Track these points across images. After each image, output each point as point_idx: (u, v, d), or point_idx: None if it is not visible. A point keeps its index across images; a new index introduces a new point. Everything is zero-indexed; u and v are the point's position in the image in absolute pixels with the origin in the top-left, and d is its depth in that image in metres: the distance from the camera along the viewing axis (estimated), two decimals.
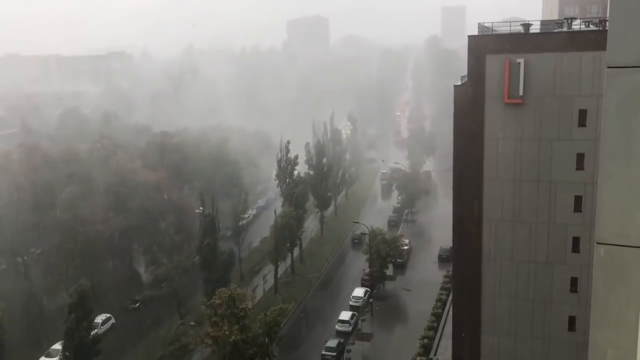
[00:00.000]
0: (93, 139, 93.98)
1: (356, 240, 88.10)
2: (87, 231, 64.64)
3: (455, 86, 45.05)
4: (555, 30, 42.78)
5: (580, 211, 40.84)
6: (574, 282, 42.01)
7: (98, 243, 65.05)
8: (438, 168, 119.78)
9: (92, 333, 49.22)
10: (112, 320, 64.76)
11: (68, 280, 57.06)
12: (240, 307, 44.71)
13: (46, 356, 57.05)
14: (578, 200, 40.88)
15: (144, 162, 79.98)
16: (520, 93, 40.84)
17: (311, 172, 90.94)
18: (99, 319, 62.34)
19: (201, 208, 65.20)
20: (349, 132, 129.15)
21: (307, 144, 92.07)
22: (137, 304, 68.93)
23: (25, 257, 72.51)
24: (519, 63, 40.42)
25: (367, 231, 70.69)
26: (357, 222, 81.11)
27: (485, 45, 41.98)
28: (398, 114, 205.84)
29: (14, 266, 73.38)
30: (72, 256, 63.72)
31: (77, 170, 75.77)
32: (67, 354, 47.20)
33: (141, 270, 75.48)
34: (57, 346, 53.05)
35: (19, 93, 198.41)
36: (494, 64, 41.43)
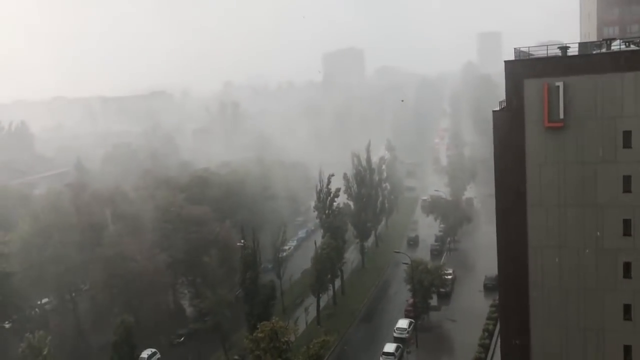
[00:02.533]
0: (138, 176, 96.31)
1: (411, 242, 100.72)
2: (132, 267, 65.81)
3: (494, 112, 44.64)
4: (595, 52, 42.17)
5: (630, 235, 39.53)
6: (627, 309, 40.42)
7: (143, 278, 66.03)
8: (480, 194, 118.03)
9: None
10: (158, 355, 65.26)
11: (114, 316, 57.93)
12: (283, 340, 44.50)
13: None
14: (627, 223, 39.62)
15: (187, 197, 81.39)
16: (561, 116, 40.21)
17: (350, 203, 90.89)
18: (145, 353, 63.00)
19: (243, 241, 65.72)
20: (387, 160, 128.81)
21: (346, 174, 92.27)
22: (182, 338, 69.41)
23: (73, 294, 74.15)
24: (558, 86, 39.90)
25: (408, 261, 69.76)
26: (399, 252, 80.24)
27: (523, 69, 41.64)
28: (437, 141, 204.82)
29: (63, 303, 75.04)
30: (118, 292, 64.85)
31: (123, 207, 77.62)
32: None
33: (185, 304, 76.20)
34: None
35: (66, 134, 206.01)
36: (533, 88, 40.99)
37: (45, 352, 48.37)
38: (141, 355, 60.08)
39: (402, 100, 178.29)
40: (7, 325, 68.14)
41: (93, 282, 70.40)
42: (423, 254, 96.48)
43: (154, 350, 65.18)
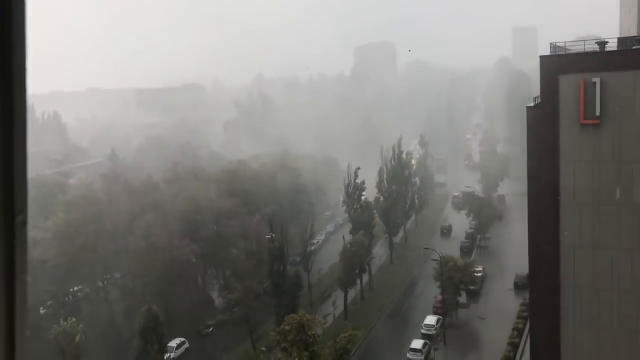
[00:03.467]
0: (169, 167, 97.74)
1: (445, 231, 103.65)
2: (162, 257, 66.82)
3: (527, 108, 43.87)
4: (634, 47, 41.04)
5: None
6: None
7: (173, 269, 67.01)
8: (512, 192, 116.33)
9: (165, 357, 50.35)
10: (186, 345, 66.20)
11: (144, 305, 58.93)
12: (310, 333, 44.66)
13: None
14: None
15: (218, 189, 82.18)
16: (597, 113, 39.28)
17: (381, 198, 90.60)
18: (174, 342, 63.96)
19: (272, 234, 66.11)
20: (418, 156, 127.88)
21: (380, 168, 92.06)
22: (210, 329, 70.27)
23: (105, 282, 75.67)
24: (595, 82, 38.98)
25: (437, 257, 69.26)
26: (428, 248, 79.71)
27: (559, 65, 40.79)
28: (469, 136, 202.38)
29: (95, 291, 76.68)
30: (149, 282, 65.94)
31: (155, 198, 78.82)
32: None
33: (214, 295, 77.10)
34: None
35: (101, 124, 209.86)
36: (568, 85, 40.12)
37: (77, 339, 49.46)
38: (169, 344, 61.01)
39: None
40: (41, 311, 69.93)
41: (124, 271, 71.77)
42: (455, 244, 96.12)
43: (182, 339, 66.14)
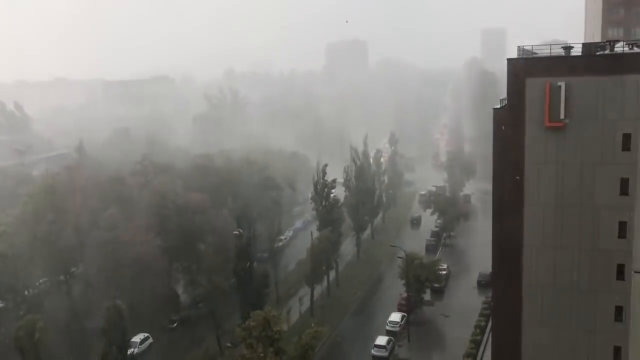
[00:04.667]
0: (136, 161, 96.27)
1: (414, 222, 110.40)
2: (127, 251, 65.81)
3: (494, 109, 44.54)
4: (598, 53, 42.01)
5: (625, 237, 39.59)
6: (619, 310, 40.54)
7: (138, 263, 66.08)
8: (478, 191, 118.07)
9: (129, 352, 49.71)
10: (150, 340, 65.46)
11: (108, 299, 57.99)
12: (275, 329, 44.61)
13: None
14: (622, 226, 39.66)
15: (185, 184, 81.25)
16: (562, 116, 40.12)
17: (348, 195, 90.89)
18: (137, 338, 63.18)
19: (240, 230, 65.70)
20: (387, 154, 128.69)
21: (346, 167, 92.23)
22: (175, 324, 69.62)
23: (67, 276, 74.18)
24: (560, 86, 39.80)
25: (403, 255, 69.89)
26: (394, 246, 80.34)
27: (525, 68, 41.49)
28: (437, 136, 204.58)
29: (58, 284, 75.10)
30: (112, 276, 64.89)
31: (120, 192, 77.50)
32: None
33: (180, 290, 76.30)
34: None
35: (66, 116, 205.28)
36: (535, 87, 40.87)
37: (36, 337, 48.43)
38: (133, 340, 60.19)
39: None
40: (0, 305, 68.31)
41: (88, 265, 70.47)
42: (423, 237, 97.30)
43: (146, 334, 65.38)
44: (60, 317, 66.47)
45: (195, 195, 76.83)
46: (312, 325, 50.36)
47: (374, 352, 61.68)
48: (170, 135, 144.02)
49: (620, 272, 40.12)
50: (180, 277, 77.08)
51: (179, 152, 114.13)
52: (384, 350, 61.50)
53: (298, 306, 71.79)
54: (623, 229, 39.64)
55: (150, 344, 65.19)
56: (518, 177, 42.27)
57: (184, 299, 74.67)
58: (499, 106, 44.86)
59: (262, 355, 42.69)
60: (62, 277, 74.47)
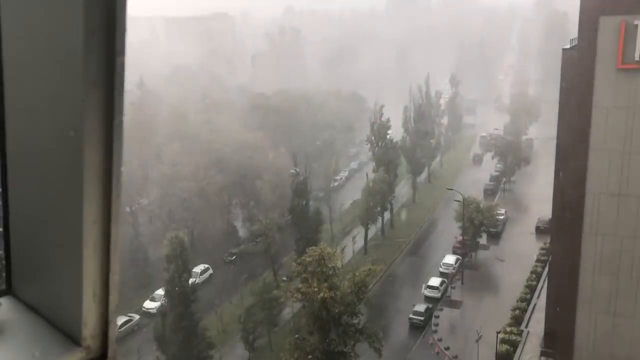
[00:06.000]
0: (197, 98, 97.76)
1: (476, 159, 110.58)
2: (188, 186, 68.04)
3: (563, 49, 42.60)
4: None
5: None
6: None
7: (199, 198, 68.33)
8: (541, 136, 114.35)
9: (190, 281, 52.22)
10: (210, 271, 68.38)
11: (171, 231, 60.66)
12: (330, 265, 45.64)
13: (150, 300, 61.61)
14: None
15: (244, 122, 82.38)
16: (637, 58, 37.92)
17: (407, 136, 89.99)
18: (198, 269, 66.12)
19: (296, 169, 66.60)
20: (447, 95, 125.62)
21: (406, 107, 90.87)
22: (234, 257, 72.28)
23: (133, 208, 77.62)
24: (637, 25, 37.43)
25: (460, 199, 69.27)
26: (451, 189, 79.63)
27: (599, 5, 39.12)
28: (501, 77, 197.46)
29: (123, 216, 78.80)
30: (175, 209, 67.48)
31: (182, 129, 79.44)
32: (167, 299, 50.47)
33: (238, 225, 78.76)
34: (160, 292, 56.82)
35: (128, 52, 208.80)
36: (608, 26, 38.59)
37: None
38: (194, 270, 63.07)
39: None
40: None
41: (152, 198, 73.41)
42: (482, 181, 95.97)
43: (206, 266, 68.27)
44: (126, 247, 70.07)
45: (254, 133, 77.95)
46: (368, 263, 51.23)
47: (426, 292, 62.38)
48: (230, 74, 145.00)
49: None
50: (238, 213, 79.44)
51: (238, 91, 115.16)
52: (437, 291, 62.09)
53: (352, 245, 72.90)
54: None
55: (210, 275, 68.15)
56: (587, 117, 40.65)
57: (242, 234, 77.12)
58: (568, 46, 42.79)
59: (316, 289, 43.96)
60: (127, 209, 78.02)
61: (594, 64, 39.76)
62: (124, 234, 74.16)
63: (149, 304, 61.30)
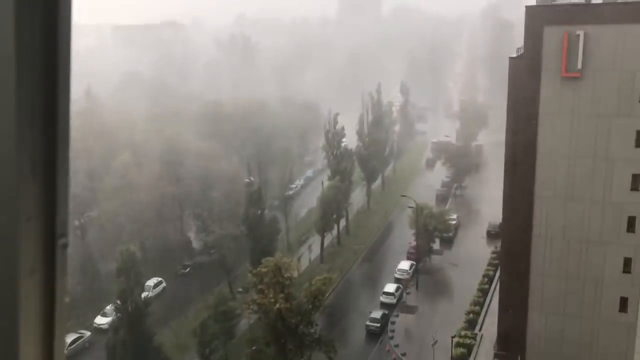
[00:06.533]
0: (147, 106, 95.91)
1: (429, 163, 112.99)
2: (139, 197, 66.56)
3: (510, 58, 43.75)
4: (619, 1, 40.75)
5: (638, 190, 39.41)
6: (627, 262, 40.84)
7: (150, 209, 66.92)
8: (490, 142, 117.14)
9: (143, 295, 50.97)
10: (163, 284, 66.98)
11: (122, 244, 59.14)
12: (286, 275, 45.37)
13: (102, 316, 59.81)
14: (636, 178, 39.46)
15: (196, 130, 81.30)
16: (579, 66, 39.34)
17: (361, 144, 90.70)
18: (151, 282, 64.67)
19: (251, 178, 66.04)
20: (399, 103, 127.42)
21: (361, 115, 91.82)
22: (188, 269, 71.00)
23: (81, 221, 75.41)
24: (579, 35, 38.85)
25: (413, 205, 70.13)
26: (405, 196, 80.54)
27: (544, 16, 40.46)
28: (450, 85, 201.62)
29: (72, 229, 76.49)
30: (126, 221, 65.88)
31: (131, 138, 77.76)
32: (119, 314, 49.11)
33: (192, 237, 77.48)
34: (112, 307, 55.23)
35: (75, 60, 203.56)
36: (552, 36, 39.93)
37: None
38: (147, 283, 61.65)
39: None
40: None
41: (101, 211, 71.47)
42: (434, 187, 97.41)
43: (160, 279, 66.84)
44: (74, 262, 67.92)
45: (206, 142, 77.01)
46: (324, 271, 51.16)
47: (382, 298, 62.82)
48: (181, 82, 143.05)
49: (631, 224, 40.14)
50: (192, 224, 78.18)
51: (190, 99, 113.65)
52: (393, 297, 62.60)
53: (308, 253, 72.78)
54: (636, 182, 39.44)
55: (164, 288, 66.76)
56: (533, 124, 41.82)
57: (197, 245, 75.92)
58: (515, 55, 44.00)
59: (272, 300, 43.60)
60: (76, 222, 75.76)
61: (540, 72, 41.03)
62: (73, 248, 71.84)
63: (100, 320, 59.53)
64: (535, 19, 40.64)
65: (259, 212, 64.07)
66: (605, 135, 39.96)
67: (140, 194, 66.94)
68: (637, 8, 39.03)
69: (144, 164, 72.32)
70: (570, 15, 40.15)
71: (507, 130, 44.59)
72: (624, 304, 41.41)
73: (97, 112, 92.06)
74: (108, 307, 58.56)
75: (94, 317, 59.94)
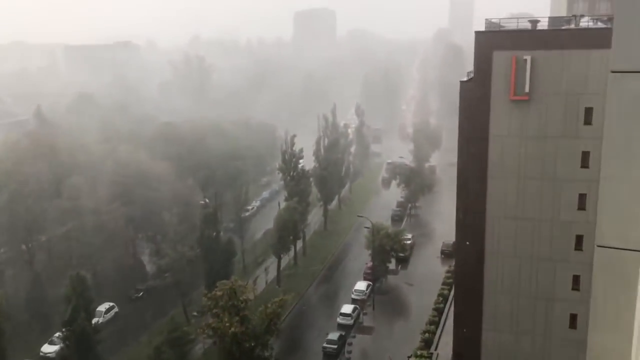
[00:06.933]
0: (100, 128, 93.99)
1: (385, 181, 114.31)
2: (90, 220, 64.86)
3: (461, 82, 44.90)
4: (563, 27, 42.53)
5: (584, 209, 40.75)
6: (576, 280, 41.98)
7: (102, 232, 65.27)
8: (443, 163, 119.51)
9: (93, 322, 49.44)
10: (116, 309, 65.14)
11: (72, 269, 57.33)
12: (241, 299, 44.83)
13: (49, 344, 57.49)
14: (582, 198, 40.78)
15: (150, 152, 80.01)
16: (527, 90, 40.69)
17: (317, 165, 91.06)
18: (102, 307, 62.81)
19: (206, 200, 65.22)
20: (353, 125, 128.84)
21: (319, 137, 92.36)
22: (141, 294, 69.32)
23: (30, 245, 72.85)
24: (526, 60, 40.25)
25: (369, 225, 70.61)
26: (361, 216, 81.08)
27: (493, 41, 41.79)
28: (404, 107, 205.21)
29: (19, 254, 73.74)
30: (76, 245, 64.02)
31: (83, 160, 75.96)
32: (67, 342, 47.43)
33: (145, 260, 75.79)
34: (60, 334, 53.29)
35: (25, 81, 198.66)
36: (501, 60, 41.25)
37: None
38: (98, 309, 59.82)
39: None
40: None
41: (50, 235, 69.27)
42: (389, 207, 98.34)
43: (111, 304, 65.00)
44: (21, 286, 65.44)
45: (160, 164, 75.86)
46: (280, 293, 50.75)
47: (339, 320, 62.69)
48: (135, 103, 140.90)
49: (579, 242, 41.39)
50: (145, 247, 76.53)
51: (143, 120, 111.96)
52: (349, 318, 62.56)
53: (264, 276, 72.18)
54: (583, 201, 40.77)
55: (116, 313, 64.90)
56: (484, 145, 42.87)
57: (150, 269, 74.25)
58: (465, 79, 45.21)
59: (228, 324, 42.95)
60: (24, 247, 73.13)
61: (489, 95, 42.23)
62: (20, 273, 69.34)
63: (47, 348, 57.20)
64: (484, 44, 41.94)
65: (215, 234, 63.28)
66: (552, 156, 41.30)
67: (91, 216, 65.23)
68: (580, 34, 40.83)
69: (96, 186, 70.62)
70: (518, 41, 41.60)
71: (458, 151, 45.59)
72: (573, 320, 42.49)
73: (47, 133, 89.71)
74: (56, 335, 56.44)
75: (41, 346, 57.58)
